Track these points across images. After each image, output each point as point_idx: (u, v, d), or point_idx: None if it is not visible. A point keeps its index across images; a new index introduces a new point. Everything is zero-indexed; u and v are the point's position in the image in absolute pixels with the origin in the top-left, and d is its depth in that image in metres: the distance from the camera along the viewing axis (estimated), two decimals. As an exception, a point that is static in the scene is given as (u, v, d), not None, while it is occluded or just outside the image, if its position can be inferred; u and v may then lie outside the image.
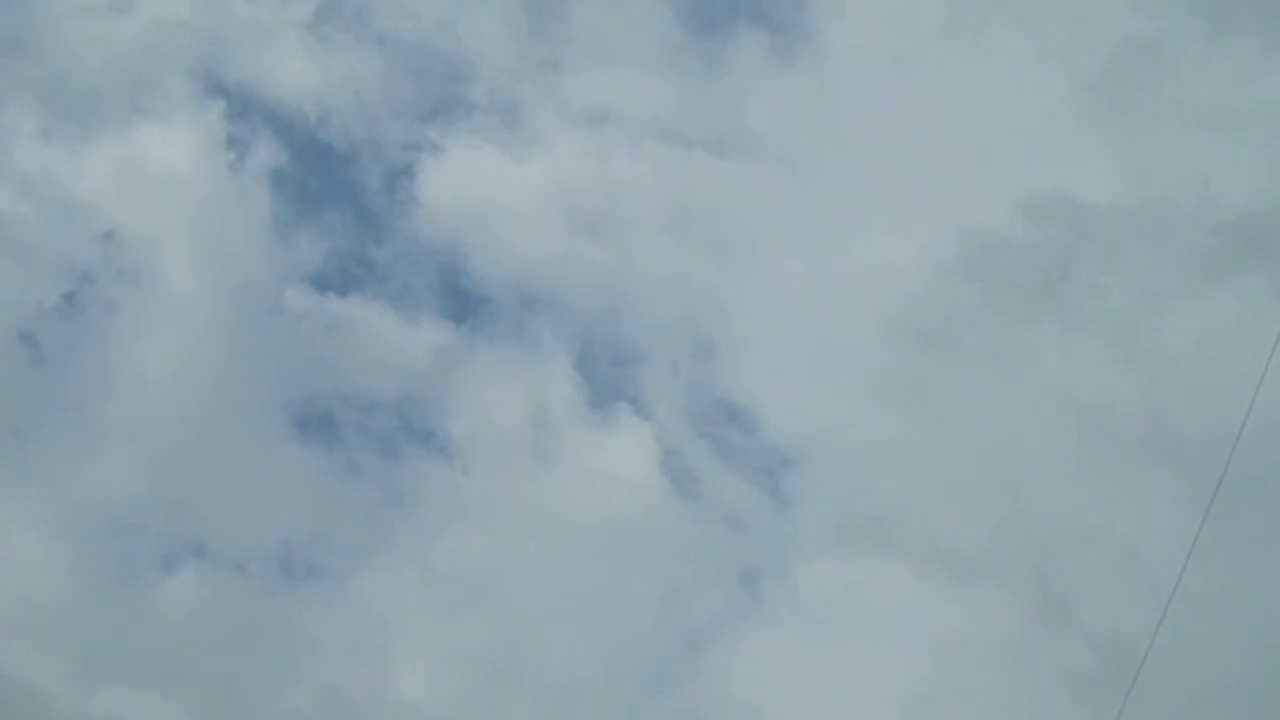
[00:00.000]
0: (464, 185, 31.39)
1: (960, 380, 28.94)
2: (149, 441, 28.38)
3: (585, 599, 28.24)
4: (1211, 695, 23.54)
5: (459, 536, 28.60)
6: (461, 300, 30.86)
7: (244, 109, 31.19)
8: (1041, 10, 30.81)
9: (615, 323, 30.79)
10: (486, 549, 28.50)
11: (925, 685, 25.72)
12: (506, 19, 32.06)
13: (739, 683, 26.89)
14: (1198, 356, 27.79)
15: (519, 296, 30.85)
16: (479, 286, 30.91)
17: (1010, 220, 29.61)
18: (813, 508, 29.06)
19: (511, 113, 32.06)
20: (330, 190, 31.64)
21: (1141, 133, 29.74)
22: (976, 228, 29.64)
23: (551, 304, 30.87)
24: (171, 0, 31.29)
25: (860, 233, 30.76)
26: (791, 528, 28.99)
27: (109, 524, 27.52)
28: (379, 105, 31.56)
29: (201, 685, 25.93)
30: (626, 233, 31.45)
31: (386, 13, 31.82)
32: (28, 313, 28.58)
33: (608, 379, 30.47)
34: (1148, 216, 29.29)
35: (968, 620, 26.75)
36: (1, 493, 27.11)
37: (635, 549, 28.64)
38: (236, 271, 30.34)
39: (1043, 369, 28.81)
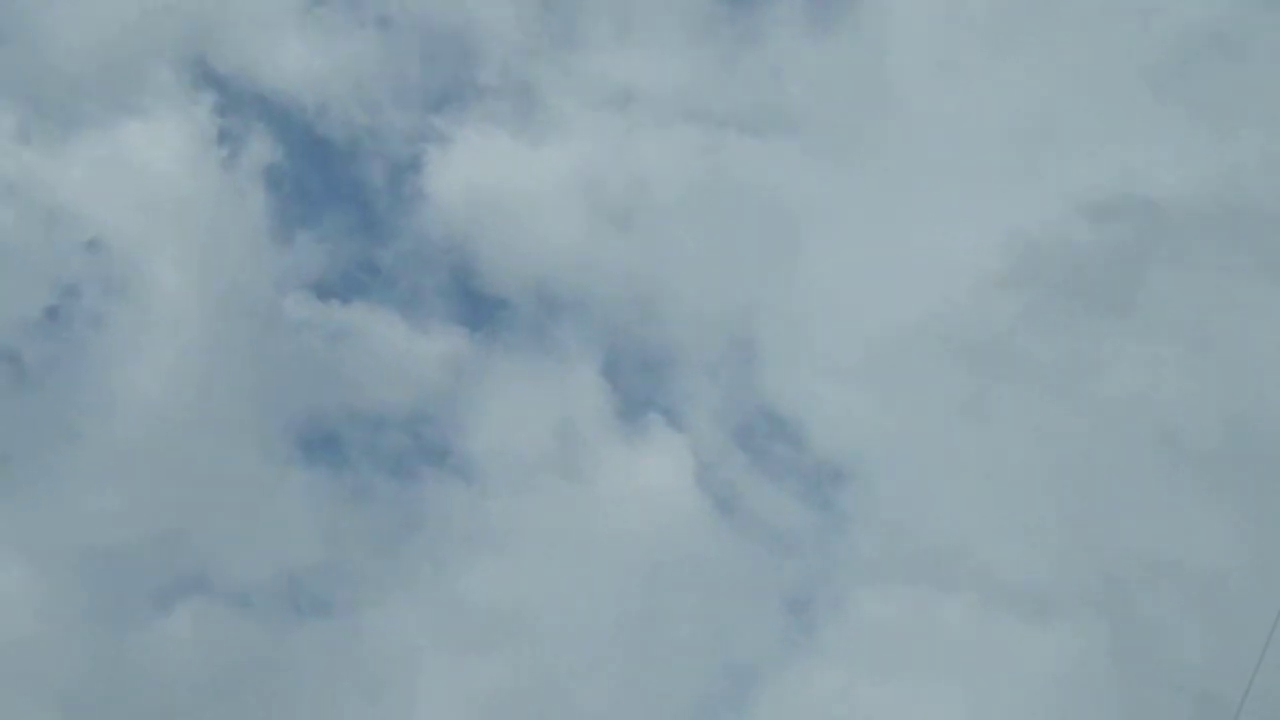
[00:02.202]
0: (476, 178, 30.86)
1: (1024, 392, 27.89)
2: (141, 466, 27.74)
3: (619, 631, 27.22)
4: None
5: (479, 564, 27.71)
6: (476, 304, 30.36)
7: (236, 101, 30.84)
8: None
9: (646, 325, 30.02)
10: (509, 578, 27.55)
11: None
12: (518, -6, 31.79)
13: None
14: None
15: (539, 298, 30.28)
16: (495, 289, 30.35)
17: (1073, 218, 28.81)
18: (867, 528, 27.76)
19: (526, 96, 31.72)
20: (331, 188, 31.26)
21: (1215, 123, 28.78)
22: (1036, 226, 28.75)
23: (575, 306, 30.30)
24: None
25: (916, 220, 29.52)
26: (845, 550, 27.74)
27: (99, 556, 26.90)
28: (382, 93, 31.24)
29: (200, 730, 25.39)
30: (656, 224, 30.71)
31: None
32: (8, 328, 28.20)
33: (639, 387, 29.77)
34: (1224, 213, 28.35)
35: (1038, 659, 25.66)
36: (-17, 524, 26.58)
37: (673, 574, 27.58)
38: (231, 279, 29.66)
39: (1114, 381, 27.69)
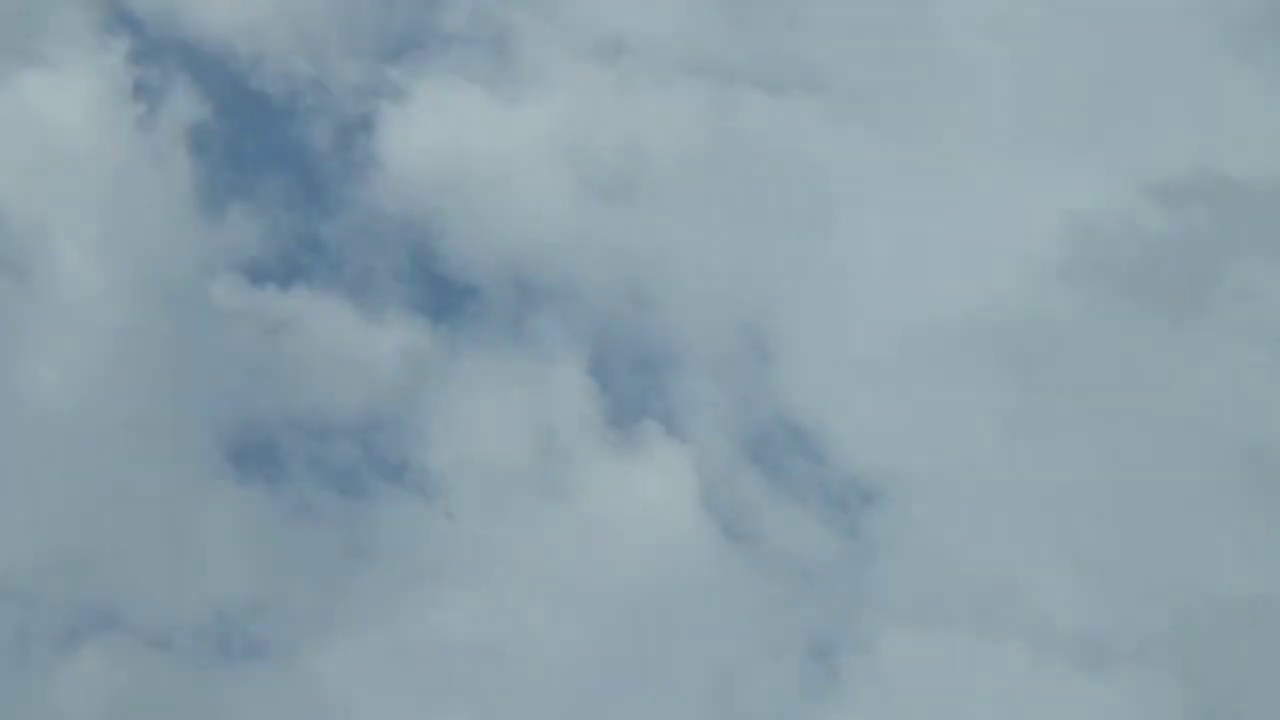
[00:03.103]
0: (440, 141, 29.44)
1: (1085, 403, 26.63)
2: (40, 481, 26.06)
3: (610, 676, 25.51)
4: None
5: (443, 598, 26.01)
6: (440, 291, 28.88)
7: (155, 48, 29.39)
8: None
9: (641, 316, 28.40)
10: (480, 613, 25.90)
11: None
12: (491, -78, 30.73)
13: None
14: None
15: (515, 284, 28.76)
16: (462, 272, 28.82)
17: (1142, 200, 27.56)
18: (901, 560, 26.19)
19: (500, 45, 30.34)
20: (268, 152, 29.72)
21: None
22: (1099, 209, 27.52)
23: (558, 293, 28.76)
24: (61, -91, 29.58)
25: (960, 197, 28.02)
26: (874, 586, 26.13)
27: None
28: (328, 41, 29.90)
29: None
30: (654, 198, 29.14)
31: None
32: None
33: (633, 390, 28.11)
34: None
35: (1098, 715, 24.38)
36: None
37: (673, 611, 25.98)
38: (149, 259, 27.93)
39: (1189, 391, 26.36)
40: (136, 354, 27.00)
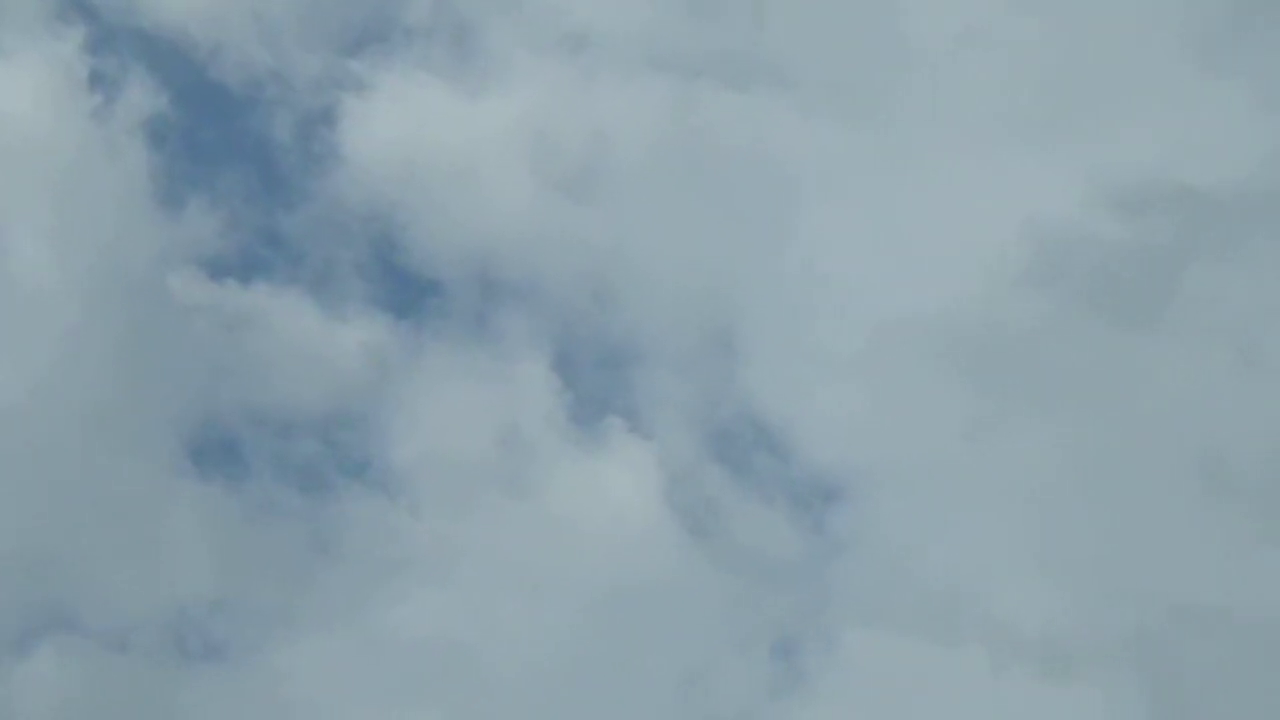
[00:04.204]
0: (402, 134, 29.61)
1: (1047, 407, 26.84)
2: None
3: (574, 673, 25.64)
4: None
5: (405, 596, 26.12)
6: (402, 286, 29.04)
7: (112, 37, 29.40)
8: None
9: (605, 312, 28.61)
10: (444, 611, 26.02)
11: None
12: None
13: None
14: None
15: (478, 280, 28.89)
16: (425, 267, 28.97)
17: (1103, 207, 27.97)
18: (865, 560, 26.43)
19: (462, 37, 30.52)
20: (227, 144, 29.80)
21: (1268, 100, 28.08)
22: (1060, 215, 27.77)
23: (521, 289, 28.93)
24: (12, -108, 29.51)
25: (924, 198, 28.29)
26: (839, 584, 26.36)
27: None
28: (288, 31, 29.88)
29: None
30: (617, 193, 29.36)
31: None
32: None
33: (597, 386, 28.36)
34: (1276, 203, 27.61)
35: (1072, 716, 24.52)
36: None
37: (637, 608, 26.10)
38: (106, 254, 27.85)
39: (1150, 396, 26.65)
40: (93, 349, 26.90)
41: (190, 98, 28.96)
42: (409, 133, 29.21)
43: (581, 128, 29.40)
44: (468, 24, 29.82)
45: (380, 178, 28.80)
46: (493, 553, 26.12)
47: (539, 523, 26.61)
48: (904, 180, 28.23)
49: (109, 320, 27.08)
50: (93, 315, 27.00)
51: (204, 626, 25.31)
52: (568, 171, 29.16)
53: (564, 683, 25.30)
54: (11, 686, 24.44)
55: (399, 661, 25.33)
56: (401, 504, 26.76)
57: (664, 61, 29.68)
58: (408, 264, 28.50)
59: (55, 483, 25.63)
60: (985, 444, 26.15)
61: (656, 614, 25.71)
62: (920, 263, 27.46)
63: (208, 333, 27.34)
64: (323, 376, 27.43)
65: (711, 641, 25.75)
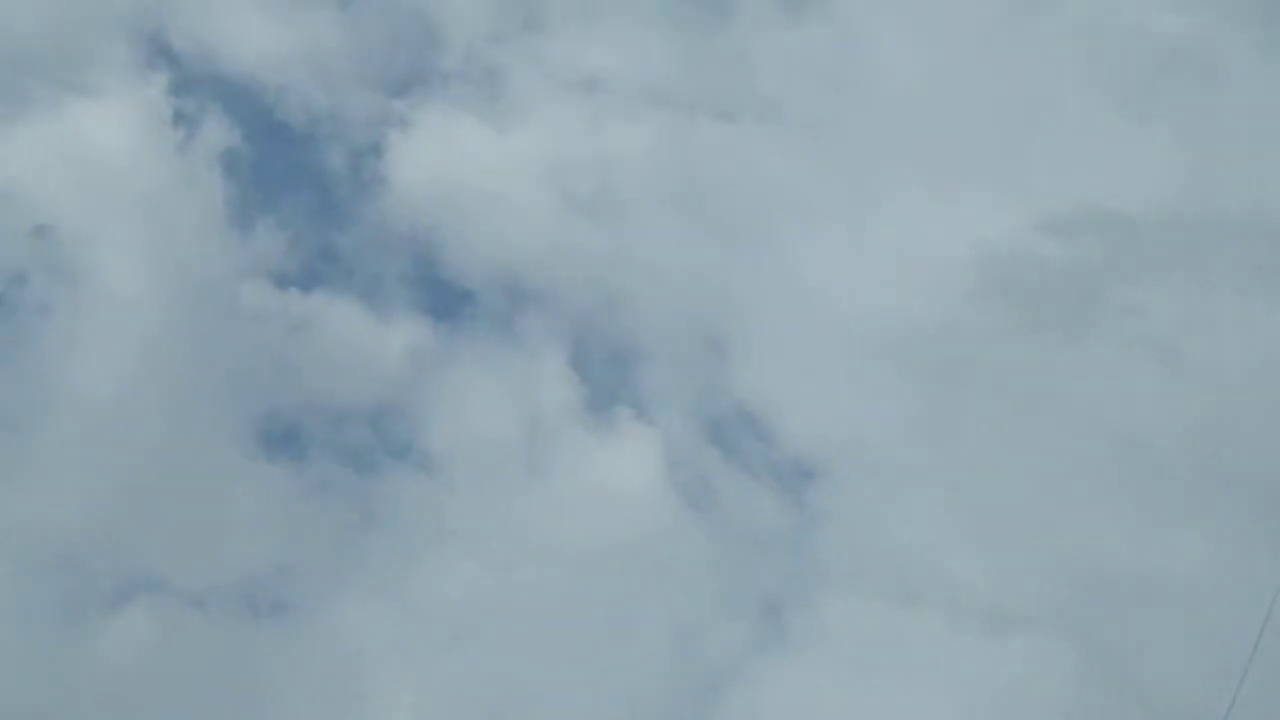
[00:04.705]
0: (440, 163, 31.07)
1: (993, 403, 28.35)
2: (92, 463, 27.70)
3: (587, 631, 27.30)
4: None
5: (442, 562, 27.79)
6: (440, 294, 30.52)
7: (192, 81, 30.96)
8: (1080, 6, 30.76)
9: (615, 317, 30.18)
10: (474, 576, 27.70)
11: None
12: (482, -26, 32.37)
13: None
14: (1256, 379, 27.09)
15: (505, 289, 30.45)
16: (459, 278, 30.50)
17: (1041, 231, 29.24)
18: (838, 529, 27.99)
19: (491, 81, 32.13)
20: (290, 173, 31.38)
21: (1183, 139, 29.30)
22: (1003, 238, 29.03)
23: (542, 296, 30.50)
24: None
25: (888, 219, 29.95)
26: (816, 551, 27.87)
27: (47, 556, 26.78)
28: (343, 75, 31.46)
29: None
30: (625, 213, 30.95)
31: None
32: None
33: (607, 380, 29.91)
34: (1192, 227, 28.76)
35: (1001, 673, 25.99)
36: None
37: (642, 572, 27.64)
38: (186, 267, 29.63)
39: (1081, 394, 28.04)
40: (175, 350, 28.66)
41: (259, 134, 30.46)
42: (445, 163, 30.58)
43: (593, 157, 30.82)
44: (496, 70, 31.35)
45: (421, 201, 30.26)
46: (517, 523, 27.71)
47: (557, 498, 28.19)
48: (870, 205, 29.74)
49: (189, 324, 28.91)
50: (175, 320, 28.78)
51: (270, 587, 26.91)
52: (582, 195, 30.61)
53: (575, 635, 26.81)
54: (108, 640, 26.17)
55: (435, 617, 26.85)
56: (439, 482, 28.38)
57: (663, 100, 31.22)
58: (444, 275, 30.00)
59: (144, 465, 27.32)
60: (940, 432, 27.81)
61: (658, 576, 27.27)
62: (884, 277, 28.93)
63: (273, 335, 29.04)
64: (371, 373, 29.08)
65: (706, 600, 27.30)
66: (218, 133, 30.10)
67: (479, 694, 26.59)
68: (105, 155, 29.56)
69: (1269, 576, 19.59)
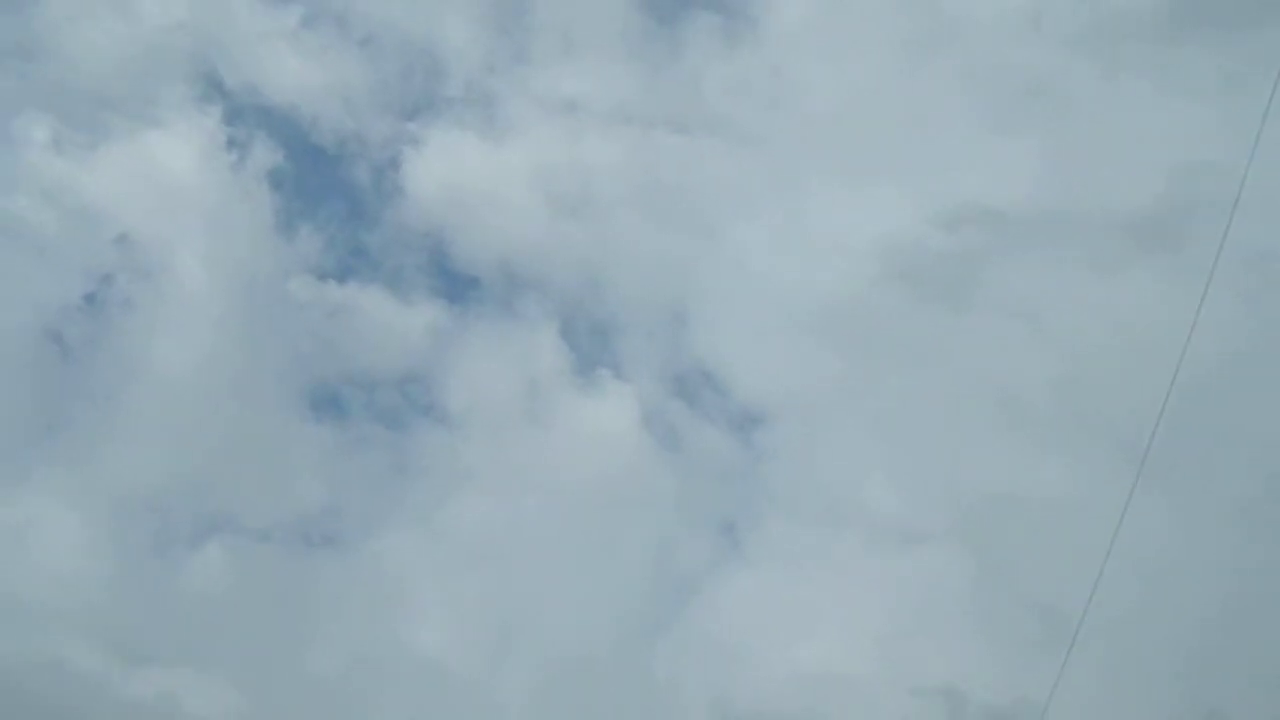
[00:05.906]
0: (447, 174, 32.32)
1: (898, 364, 30.17)
2: (172, 427, 29.57)
3: (579, 550, 29.29)
4: (1149, 653, 24.64)
5: (461, 500, 29.73)
6: (452, 281, 31.86)
7: (242, 112, 32.08)
8: (965, 43, 31.53)
9: (595, 296, 31.83)
10: (488, 509, 29.61)
11: (890, 629, 27.16)
12: (477, 18, 33.00)
13: (725, 625, 28.14)
14: (1105, 341, 28.54)
15: (505, 276, 31.89)
16: (467, 268, 32.01)
17: (931, 225, 30.71)
18: (780, 465, 30.44)
19: (487, 105, 33.13)
20: (325, 185, 32.57)
21: (1045, 148, 30.63)
22: (902, 231, 30.52)
23: (536, 281, 31.91)
24: (169, 3, 31.84)
25: (810, 214, 31.77)
26: (764, 482, 30.30)
27: (139, 503, 28.77)
28: (365, 104, 32.29)
29: (235, 655, 27.06)
30: (601, 211, 32.51)
31: (367, 17, 32.57)
32: (53, 313, 30.13)
33: (591, 348, 31.67)
34: (1054, 220, 30.31)
35: (917, 581, 27.95)
36: (37, 483, 28.15)
37: (623, 502, 29.86)
38: (244, 266, 31.32)
39: (968, 356, 29.90)
40: (236, 333, 30.69)
41: (298, 154, 32.12)
42: (452, 173, 32.18)
43: (573, 165, 32.45)
44: (491, 96, 32.94)
45: (433, 205, 32.03)
46: (521, 466, 29.88)
47: (553, 444, 30.37)
48: (798, 202, 31.72)
49: (246, 312, 30.92)
50: (234, 309, 30.80)
51: (321, 524, 29.05)
52: (565, 197, 32.29)
53: (570, 554, 29.00)
54: (190, 571, 28.17)
55: (458, 544, 29.12)
56: (457, 434, 30.50)
57: (630, 117, 32.81)
58: (455, 265, 31.86)
59: (215, 426, 29.43)
60: (858, 386, 30.28)
61: (635, 505, 29.66)
62: (810, 261, 31.17)
63: (316, 319, 31.02)
64: (398, 347, 30.96)
65: (674, 523, 29.81)
66: (264, 154, 31.65)
67: (494, 603, 28.36)
68: (172, 175, 31.30)
69: (1117, 496, 19.83)
